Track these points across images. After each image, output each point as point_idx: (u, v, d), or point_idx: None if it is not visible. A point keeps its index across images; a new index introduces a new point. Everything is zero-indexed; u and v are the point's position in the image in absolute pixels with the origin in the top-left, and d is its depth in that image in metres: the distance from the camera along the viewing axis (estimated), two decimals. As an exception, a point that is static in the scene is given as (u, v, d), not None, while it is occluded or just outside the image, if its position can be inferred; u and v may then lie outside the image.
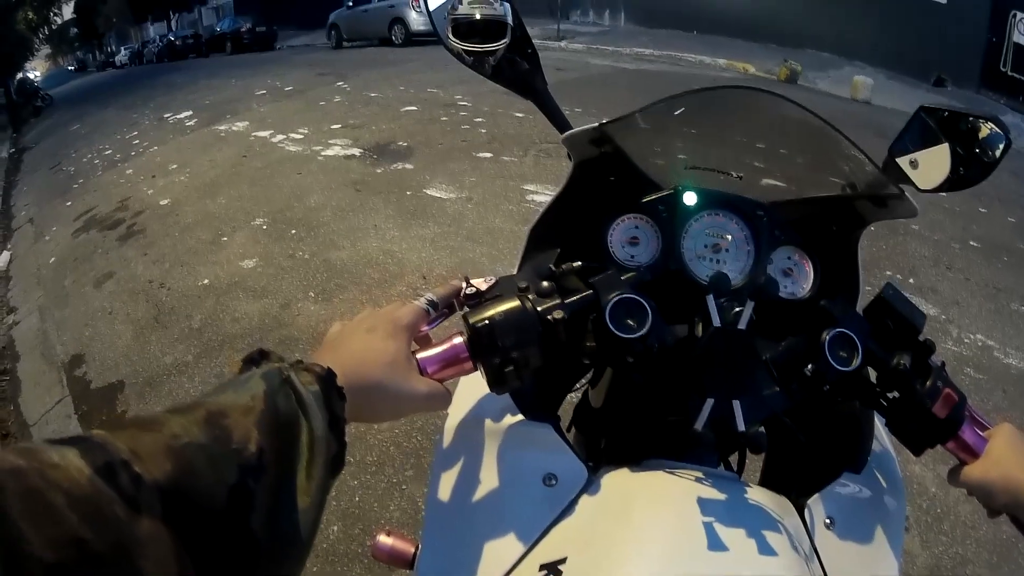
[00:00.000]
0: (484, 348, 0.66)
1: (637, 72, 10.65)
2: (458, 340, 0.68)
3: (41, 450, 0.36)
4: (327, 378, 0.54)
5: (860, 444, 0.81)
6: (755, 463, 0.92)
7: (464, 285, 0.72)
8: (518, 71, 0.91)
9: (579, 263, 0.73)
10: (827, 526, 0.73)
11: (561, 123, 0.93)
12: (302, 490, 0.47)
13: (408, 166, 6.31)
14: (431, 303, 0.71)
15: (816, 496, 0.75)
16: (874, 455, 0.81)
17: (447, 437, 0.83)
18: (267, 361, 0.55)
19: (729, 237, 0.78)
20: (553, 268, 0.73)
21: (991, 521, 0.77)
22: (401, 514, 2.55)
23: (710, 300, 0.66)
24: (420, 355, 0.67)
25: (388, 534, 1.08)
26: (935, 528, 2.46)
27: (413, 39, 16.39)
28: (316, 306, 4.02)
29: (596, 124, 0.77)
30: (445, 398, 0.66)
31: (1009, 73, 11.49)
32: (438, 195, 5.46)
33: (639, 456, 0.76)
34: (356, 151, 7.02)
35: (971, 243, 4.90)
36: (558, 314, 0.67)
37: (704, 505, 0.62)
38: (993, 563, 2.35)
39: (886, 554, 0.74)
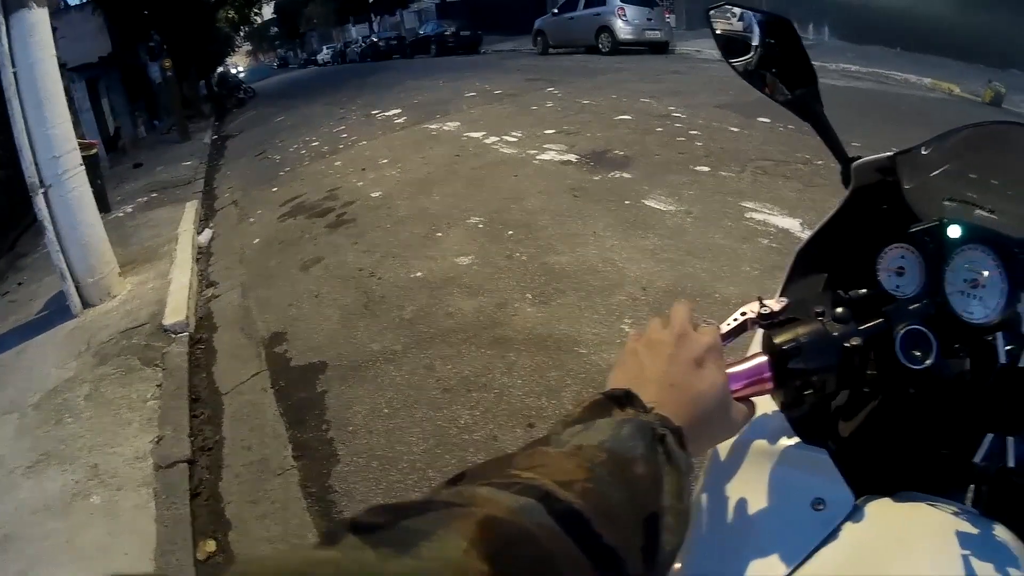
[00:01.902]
0: (789, 369, 0.73)
1: (849, 89, 10.46)
2: (762, 359, 0.74)
3: None
4: (681, 439, 0.56)
5: None
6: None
7: (758, 305, 0.79)
8: (793, 91, 0.99)
9: (865, 291, 0.81)
10: None
11: (838, 149, 1.00)
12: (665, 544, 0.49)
13: (626, 175, 6.53)
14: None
15: None
16: None
17: (721, 453, 0.91)
18: (632, 406, 0.57)
19: (986, 273, 0.80)
20: (842, 294, 0.80)
21: None
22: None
23: (999, 337, 0.72)
24: (728, 371, 0.71)
25: None
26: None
27: (620, 47, 17.17)
28: (533, 308, 4.19)
29: (890, 153, 0.89)
30: (751, 417, 0.72)
31: None
32: (657, 206, 5.60)
33: (892, 487, 0.80)
34: (572, 157, 7.34)
35: None
36: (855, 341, 0.73)
37: (962, 540, 0.68)
38: None
39: None
